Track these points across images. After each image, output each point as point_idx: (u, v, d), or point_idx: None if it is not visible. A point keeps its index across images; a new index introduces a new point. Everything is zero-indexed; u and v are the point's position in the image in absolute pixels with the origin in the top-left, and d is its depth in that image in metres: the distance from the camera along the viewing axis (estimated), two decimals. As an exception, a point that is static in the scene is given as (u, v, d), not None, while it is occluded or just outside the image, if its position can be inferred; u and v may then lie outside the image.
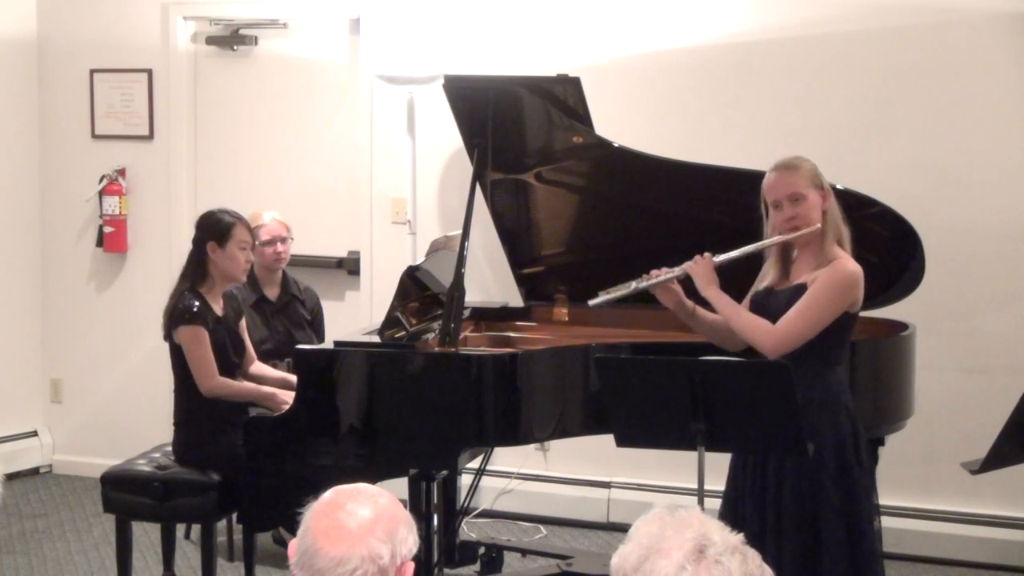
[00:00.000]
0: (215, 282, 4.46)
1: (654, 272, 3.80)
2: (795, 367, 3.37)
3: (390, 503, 1.92)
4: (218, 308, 4.45)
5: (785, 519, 3.57)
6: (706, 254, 3.71)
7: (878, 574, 3.65)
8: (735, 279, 3.79)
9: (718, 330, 3.80)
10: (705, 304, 3.76)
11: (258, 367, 4.67)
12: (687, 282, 3.76)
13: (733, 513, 3.64)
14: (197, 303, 4.35)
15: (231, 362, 4.46)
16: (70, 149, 6.55)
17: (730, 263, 3.73)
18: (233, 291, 4.64)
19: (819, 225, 3.59)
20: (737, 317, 3.65)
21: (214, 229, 4.45)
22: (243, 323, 4.64)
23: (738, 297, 3.74)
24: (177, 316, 4.34)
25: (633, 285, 3.82)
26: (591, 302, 4.00)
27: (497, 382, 3.89)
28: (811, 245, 3.64)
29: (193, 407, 4.39)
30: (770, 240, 3.69)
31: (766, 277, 3.75)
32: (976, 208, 5.21)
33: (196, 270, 4.44)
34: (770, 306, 3.65)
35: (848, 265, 3.58)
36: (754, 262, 3.81)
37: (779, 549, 3.54)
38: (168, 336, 4.40)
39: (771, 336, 3.57)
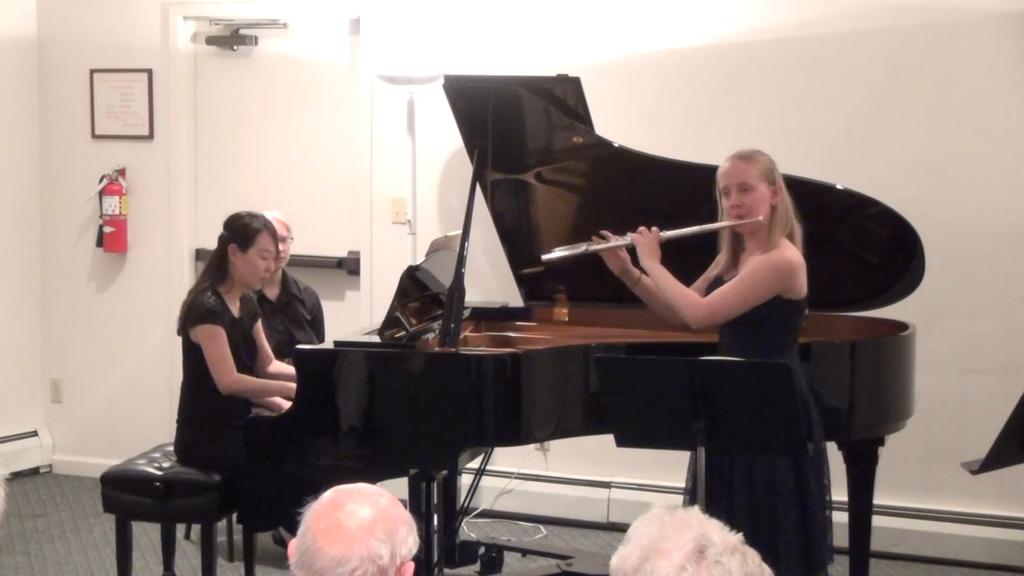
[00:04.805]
0: (234, 283, 4.45)
1: (604, 234, 3.94)
2: (744, 354, 3.49)
3: (390, 503, 1.92)
4: (235, 309, 4.44)
5: (736, 502, 3.65)
6: (653, 228, 3.82)
7: (825, 560, 3.74)
8: (684, 263, 3.88)
9: (658, 301, 3.89)
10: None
11: (276, 366, 4.66)
12: (634, 252, 3.87)
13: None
14: (215, 301, 4.34)
15: (243, 365, 4.44)
16: (70, 149, 6.55)
17: (676, 240, 3.83)
18: (249, 293, 4.63)
19: (761, 217, 3.68)
20: (668, 288, 3.76)
21: (239, 232, 4.43)
22: (258, 325, 4.63)
23: (684, 279, 3.82)
24: (195, 314, 4.32)
25: (584, 247, 3.97)
26: (544, 256, 4.13)
27: (497, 382, 3.88)
28: (758, 236, 3.73)
29: (200, 405, 4.38)
30: (713, 225, 3.81)
31: (718, 264, 3.86)
32: (976, 208, 5.20)
33: (218, 269, 4.43)
34: None
35: (786, 253, 3.67)
36: (705, 250, 3.91)
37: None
38: (183, 332, 4.39)
39: (697, 308, 3.71)
